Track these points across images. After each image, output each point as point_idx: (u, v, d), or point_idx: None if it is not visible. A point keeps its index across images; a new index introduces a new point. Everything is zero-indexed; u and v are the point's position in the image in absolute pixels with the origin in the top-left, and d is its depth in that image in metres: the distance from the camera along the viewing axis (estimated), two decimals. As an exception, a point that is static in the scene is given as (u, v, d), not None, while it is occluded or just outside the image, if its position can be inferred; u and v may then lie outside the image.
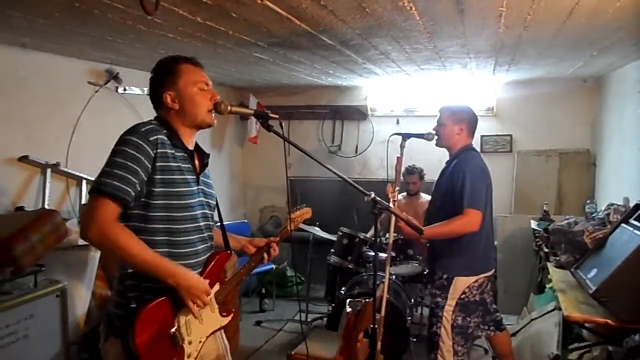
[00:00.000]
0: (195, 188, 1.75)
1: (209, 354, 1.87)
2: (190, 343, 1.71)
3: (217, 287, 1.84)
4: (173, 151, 1.69)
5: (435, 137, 2.97)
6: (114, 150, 1.61)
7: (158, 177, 1.63)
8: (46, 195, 3.32)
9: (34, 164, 3.25)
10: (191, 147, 1.80)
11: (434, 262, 2.94)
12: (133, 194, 1.59)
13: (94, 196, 1.56)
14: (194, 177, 1.77)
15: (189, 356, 1.70)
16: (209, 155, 1.88)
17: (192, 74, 1.75)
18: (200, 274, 1.77)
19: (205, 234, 1.82)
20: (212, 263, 1.82)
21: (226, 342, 2.01)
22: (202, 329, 1.77)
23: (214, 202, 1.89)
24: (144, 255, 1.58)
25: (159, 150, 1.63)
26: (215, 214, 1.91)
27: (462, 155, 2.89)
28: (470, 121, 2.94)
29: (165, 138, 1.68)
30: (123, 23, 2.39)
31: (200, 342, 1.76)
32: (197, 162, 1.82)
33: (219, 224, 2.01)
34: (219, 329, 1.86)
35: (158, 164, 1.63)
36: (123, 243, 1.55)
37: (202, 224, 1.79)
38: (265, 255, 2.04)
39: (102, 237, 1.54)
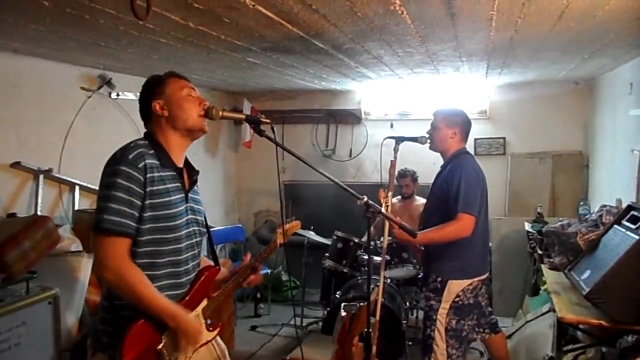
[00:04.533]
0: (183, 207, 1.74)
1: None
2: (176, 359, 1.71)
3: (204, 302, 1.84)
4: (161, 173, 1.68)
5: (429, 141, 2.98)
6: (105, 183, 1.59)
7: (147, 202, 1.62)
8: (39, 202, 3.30)
9: (27, 169, 3.23)
10: (181, 163, 1.78)
11: (429, 266, 2.94)
12: (133, 225, 1.59)
13: (99, 236, 1.57)
14: (182, 195, 1.75)
15: None
16: (198, 172, 1.86)
17: (178, 82, 1.77)
18: (189, 290, 1.78)
19: (196, 251, 1.83)
20: (201, 279, 1.82)
21: (223, 345, 2.00)
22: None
23: (202, 219, 1.88)
24: (151, 298, 1.60)
25: (147, 176, 1.62)
26: (204, 229, 1.90)
27: (456, 160, 2.90)
28: (463, 125, 2.95)
29: (153, 160, 1.66)
30: (115, 28, 2.39)
31: (186, 357, 1.76)
32: (186, 178, 1.80)
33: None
34: (205, 344, 1.85)
35: (147, 189, 1.62)
36: (137, 287, 1.58)
37: (193, 241, 1.80)
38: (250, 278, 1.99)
39: (119, 278, 1.57)
